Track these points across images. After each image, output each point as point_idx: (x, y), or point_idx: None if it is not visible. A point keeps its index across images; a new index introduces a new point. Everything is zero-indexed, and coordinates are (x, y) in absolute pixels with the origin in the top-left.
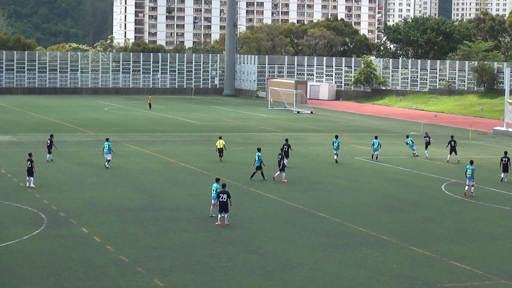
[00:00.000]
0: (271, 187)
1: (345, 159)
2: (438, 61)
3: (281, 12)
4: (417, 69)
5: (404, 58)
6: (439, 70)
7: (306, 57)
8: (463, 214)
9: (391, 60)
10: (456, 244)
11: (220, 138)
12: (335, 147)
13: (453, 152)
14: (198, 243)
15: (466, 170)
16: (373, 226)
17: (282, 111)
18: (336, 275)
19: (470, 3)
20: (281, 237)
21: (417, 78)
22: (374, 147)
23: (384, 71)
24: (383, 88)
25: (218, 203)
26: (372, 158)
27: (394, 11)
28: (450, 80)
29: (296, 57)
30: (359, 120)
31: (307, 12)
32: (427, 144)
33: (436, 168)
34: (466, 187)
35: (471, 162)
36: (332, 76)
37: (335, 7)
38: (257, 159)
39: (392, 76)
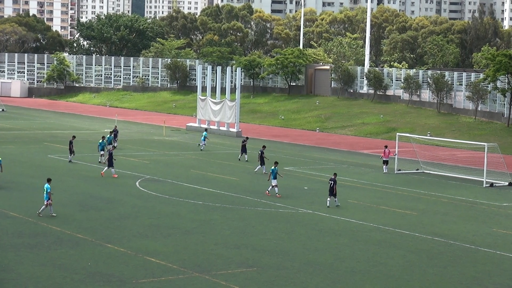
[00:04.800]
0: None
1: (38, 158)
2: (132, 58)
3: None
4: (111, 66)
5: (98, 55)
6: (133, 67)
7: None
8: (157, 209)
9: (84, 57)
10: (151, 240)
11: None
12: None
13: (243, 153)
14: None
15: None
16: (67, 224)
17: None
18: (30, 275)
19: (163, 0)
20: None
21: (111, 75)
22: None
23: (78, 68)
24: (77, 85)
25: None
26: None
27: (87, 7)
28: (143, 77)
29: None
30: (53, 118)
31: None
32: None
33: (130, 165)
34: (270, 187)
35: (276, 163)
36: (24, 73)
37: (26, 2)
38: None
39: (86, 73)
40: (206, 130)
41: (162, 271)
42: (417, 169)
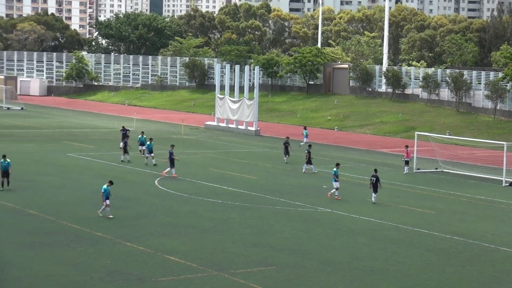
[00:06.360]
0: None
1: (57, 156)
2: (150, 57)
3: None
4: (129, 64)
5: (116, 54)
6: (151, 65)
7: (15, 52)
8: (175, 208)
9: (103, 55)
10: (169, 238)
11: None
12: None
13: (286, 154)
14: None
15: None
16: (86, 222)
17: None
18: (48, 274)
19: (181, 0)
20: None
21: (129, 73)
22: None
23: (96, 66)
24: (96, 83)
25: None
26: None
27: (105, 6)
28: (162, 76)
29: (5, 52)
30: (72, 116)
31: (16, 6)
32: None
33: (149, 163)
34: (333, 190)
35: (337, 165)
36: (43, 72)
37: (45, 1)
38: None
39: (105, 72)
40: (305, 128)
41: (181, 269)
42: (436, 168)
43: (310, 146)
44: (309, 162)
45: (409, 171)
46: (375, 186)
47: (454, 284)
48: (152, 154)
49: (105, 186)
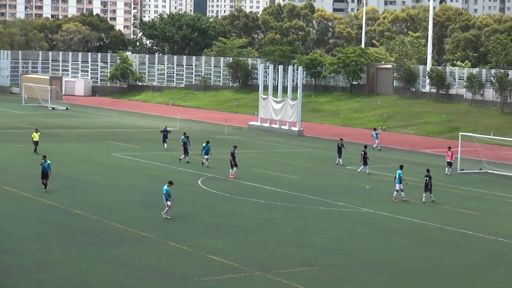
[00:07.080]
0: (24, 185)
1: (101, 156)
2: (194, 57)
3: (35, 6)
4: (173, 65)
5: (160, 54)
6: (195, 66)
7: (61, 53)
8: (219, 208)
9: (147, 55)
10: (212, 238)
11: (36, 130)
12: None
13: (340, 158)
14: None
15: (396, 175)
16: (130, 222)
17: (36, 107)
18: (93, 272)
19: (225, 0)
20: (36, 235)
21: (173, 74)
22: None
23: (141, 66)
24: (140, 83)
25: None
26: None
27: (150, 7)
28: (205, 76)
29: (50, 52)
30: (116, 116)
31: (61, 7)
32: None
33: (192, 163)
34: (395, 193)
35: (401, 167)
36: (88, 72)
37: (90, 2)
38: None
39: (149, 72)
40: (375, 129)
41: (224, 269)
42: (480, 169)
43: (366, 146)
44: (364, 163)
45: (450, 172)
46: (426, 185)
47: (500, 285)
48: (208, 156)
49: (165, 187)
